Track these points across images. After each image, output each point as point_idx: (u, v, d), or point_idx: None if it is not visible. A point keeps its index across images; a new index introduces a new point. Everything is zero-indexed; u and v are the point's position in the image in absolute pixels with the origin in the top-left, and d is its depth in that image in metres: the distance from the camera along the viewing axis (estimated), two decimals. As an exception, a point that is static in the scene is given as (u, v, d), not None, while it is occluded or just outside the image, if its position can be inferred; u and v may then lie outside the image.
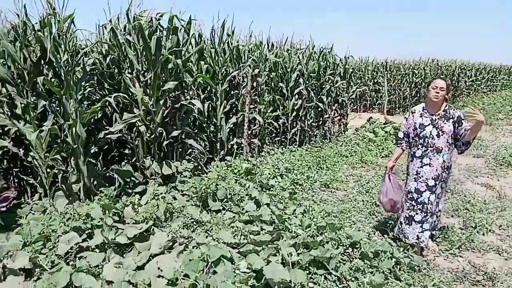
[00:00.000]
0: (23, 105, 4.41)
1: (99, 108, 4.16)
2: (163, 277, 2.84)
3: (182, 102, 4.88)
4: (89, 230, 3.43)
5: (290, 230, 3.57)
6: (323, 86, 8.65)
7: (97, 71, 4.90)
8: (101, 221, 3.47)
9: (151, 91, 4.79)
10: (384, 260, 3.21)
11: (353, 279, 2.96)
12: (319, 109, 8.78)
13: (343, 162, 7.12)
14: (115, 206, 3.80)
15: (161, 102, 4.84)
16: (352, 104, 12.96)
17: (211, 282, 2.63)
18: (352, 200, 5.18)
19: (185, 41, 5.18)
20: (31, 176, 4.61)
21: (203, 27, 5.92)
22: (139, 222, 3.59)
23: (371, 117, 11.49)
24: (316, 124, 8.82)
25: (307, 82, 8.31)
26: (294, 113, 7.91)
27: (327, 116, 8.98)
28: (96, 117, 5.16)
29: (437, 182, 3.52)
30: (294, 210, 4.37)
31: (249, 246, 3.22)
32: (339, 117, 9.82)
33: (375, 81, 15.98)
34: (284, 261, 3.02)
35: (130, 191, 4.73)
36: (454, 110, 3.54)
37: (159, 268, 2.97)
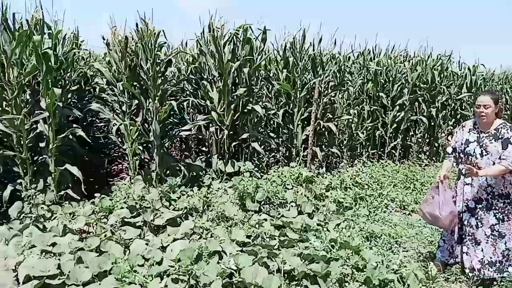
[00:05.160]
0: (124, 103, 5.44)
1: (168, 109, 4.82)
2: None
3: (248, 107, 5.20)
4: (141, 210, 4.08)
5: (309, 241, 3.50)
6: (437, 98, 7.72)
7: (183, 77, 5.66)
8: (149, 204, 4.08)
9: (223, 96, 5.26)
10: (393, 291, 2.89)
11: (343, 302, 2.78)
12: (431, 123, 7.87)
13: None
14: (169, 194, 4.38)
15: (232, 106, 5.27)
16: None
17: (194, 270, 2.88)
18: (422, 226, 4.60)
19: (261, 50, 5.48)
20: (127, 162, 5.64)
21: (290, 36, 6.14)
22: (179, 209, 4.07)
23: None
24: (426, 139, 7.93)
25: (418, 92, 7.59)
26: (395, 126, 7.32)
27: (441, 131, 7.96)
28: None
29: (478, 206, 3.17)
30: (338, 225, 4.20)
31: (256, 247, 3.32)
32: (460, 134, 8.55)
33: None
34: (280, 268, 3.03)
35: (201, 183, 5.33)
36: (508, 130, 3.01)
37: (171, 250, 3.37)
